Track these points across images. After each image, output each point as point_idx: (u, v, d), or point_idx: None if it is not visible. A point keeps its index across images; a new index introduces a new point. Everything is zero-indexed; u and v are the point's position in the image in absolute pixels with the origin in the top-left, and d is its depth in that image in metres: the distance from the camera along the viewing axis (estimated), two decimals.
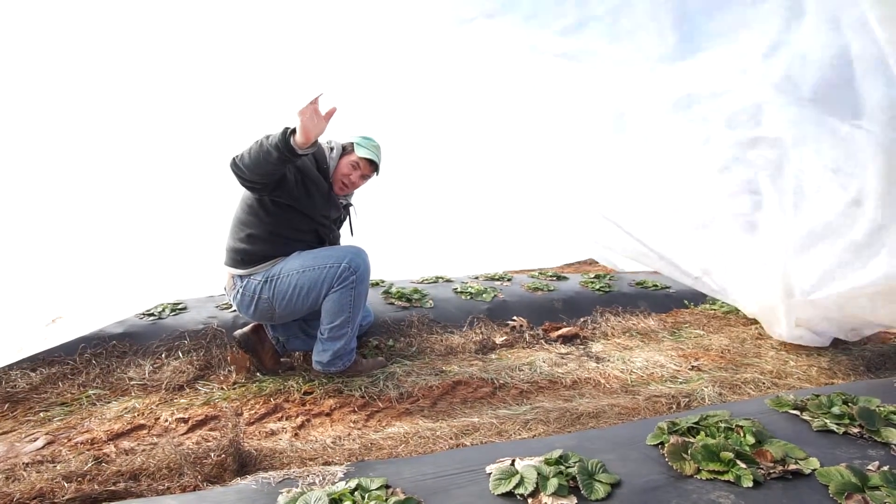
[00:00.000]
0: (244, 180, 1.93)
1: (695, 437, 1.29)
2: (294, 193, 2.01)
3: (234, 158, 1.89)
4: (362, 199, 2.44)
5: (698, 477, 1.14)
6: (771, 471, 1.15)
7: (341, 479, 1.17)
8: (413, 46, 2.44)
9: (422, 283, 3.35)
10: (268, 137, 1.82)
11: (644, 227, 2.57)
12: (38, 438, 1.65)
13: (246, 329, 2.17)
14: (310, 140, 1.78)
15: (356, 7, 2.36)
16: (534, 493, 1.07)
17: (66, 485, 1.32)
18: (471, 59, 2.42)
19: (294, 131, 1.79)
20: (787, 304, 2.30)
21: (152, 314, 2.53)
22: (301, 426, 1.79)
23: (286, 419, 1.84)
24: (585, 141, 2.47)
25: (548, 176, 2.72)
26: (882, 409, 1.44)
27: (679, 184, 2.38)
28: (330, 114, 1.83)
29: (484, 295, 3.04)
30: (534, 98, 2.45)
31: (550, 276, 3.60)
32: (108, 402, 1.95)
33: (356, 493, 1.08)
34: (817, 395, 1.55)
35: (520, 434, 1.67)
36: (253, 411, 1.88)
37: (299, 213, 2.07)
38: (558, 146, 2.56)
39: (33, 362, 2.11)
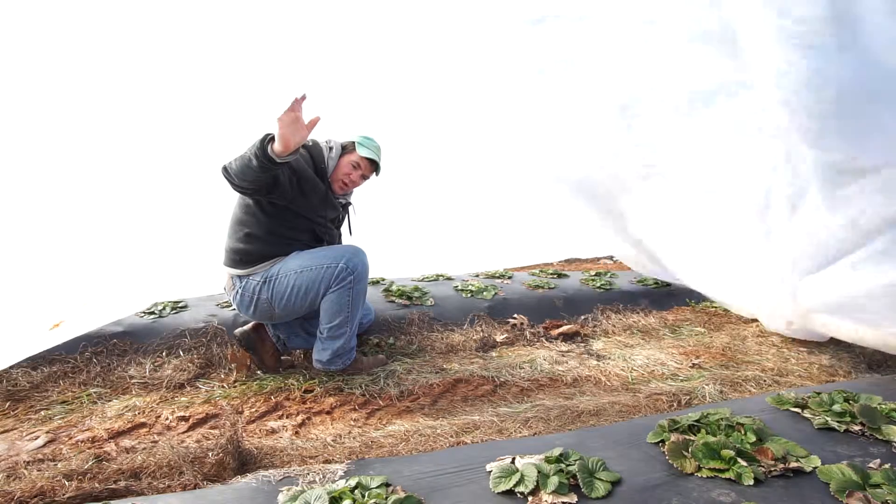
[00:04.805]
0: (235, 186, 1.91)
1: (695, 435, 1.29)
2: (289, 195, 1.99)
3: (224, 165, 1.87)
4: (363, 198, 2.44)
5: (699, 475, 1.14)
6: (772, 469, 1.15)
7: (341, 478, 1.17)
8: (413, 45, 2.43)
9: (422, 281, 3.35)
10: (252, 145, 1.78)
11: (639, 229, 2.57)
12: (39, 437, 1.66)
13: (246, 327, 2.17)
14: (289, 149, 1.72)
15: (359, 8, 2.35)
16: (534, 492, 1.07)
17: (66, 483, 1.32)
18: (471, 58, 2.41)
19: (273, 139, 1.73)
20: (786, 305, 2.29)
21: (153, 312, 2.53)
22: (302, 424, 1.79)
23: (287, 417, 1.84)
24: (587, 137, 2.46)
25: (548, 174, 2.72)
26: (883, 406, 1.44)
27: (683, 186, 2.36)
28: (313, 123, 1.77)
29: (484, 293, 3.03)
30: (533, 94, 2.44)
31: (551, 274, 3.60)
32: (109, 401, 1.95)
33: (356, 491, 1.08)
34: (818, 393, 1.55)
35: (520, 432, 1.67)
36: (254, 409, 1.88)
37: (295, 214, 2.06)
38: (560, 143, 2.55)
39: (34, 361, 2.11)
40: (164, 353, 2.28)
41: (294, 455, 1.52)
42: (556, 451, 1.21)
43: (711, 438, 1.24)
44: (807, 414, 1.45)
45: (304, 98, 1.72)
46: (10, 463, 1.48)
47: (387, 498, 1.05)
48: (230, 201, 2.15)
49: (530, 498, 1.06)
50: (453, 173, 3.23)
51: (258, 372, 2.19)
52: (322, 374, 2.15)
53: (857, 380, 2.06)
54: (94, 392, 2.00)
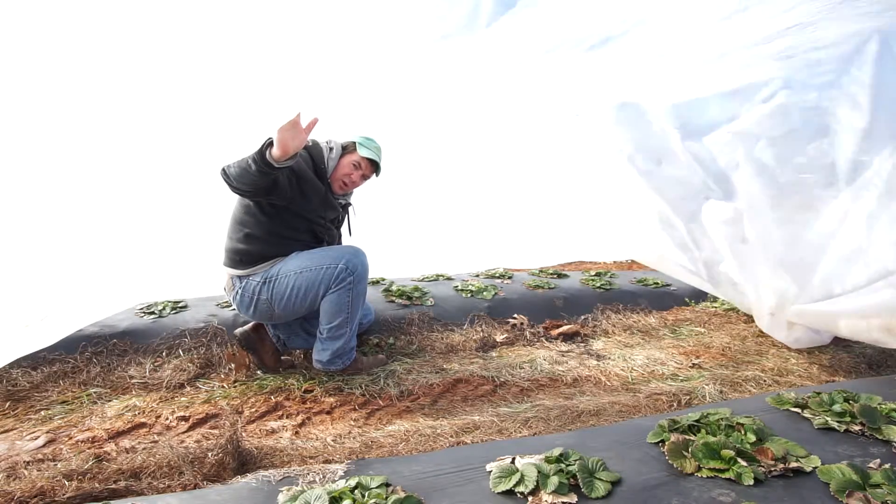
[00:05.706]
0: (233, 188, 1.92)
1: (695, 435, 1.29)
2: (288, 195, 1.99)
3: (223, 168, 1.88)
4: (363, 197, 2.44)
5: (699, 475, 1.14)
6: (772, 469, 1.14)
7: (341, 478, 1.17)
8: (413, 47, 2.42)
9: (422, 280, 3.35)
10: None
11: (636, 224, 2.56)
12: (39, 437, 1.66)
13: (247, 327, 2.17)
14: (288, 153, 1.75)
15: (362, 12, 2.34)
16: (534, 491, 1.07)
17: (66, 483, 1.32)
18: (472, 58, 2.41)
19: (272, 143, 1.75)
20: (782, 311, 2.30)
21: (153, 312, 2.53)
22: (301, 424, 1.79)
23: (287, 417, 1.84)
24: (586, 136, 2.46)
25: (548, 174, 2.72)
26: (883, 406, 1.44)
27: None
28: (311, 125, 1.80)
29: (484, 293, 3.03)
30: (533, 95, 2.44)
31: (551, 274, 3.60)
32: (109, 401, 1.95)
33: (356, 491, 1.08)
34: (818, 393, 1.55)
35: (520, 432, 1.67)
36: (254, 409, 1.88)
37: (295, 214, 2.07)
38: (558, 142, 2.55)
39: (34, 361, 2.11)
40: (164, 353, 2.28)
41: (294, 455, 1.52)
42: (556, 451, 1.20)
43: (711, 438, 1.24)
44: (807, 414, 1.45)
45: (300, 113, 1.74)
46: (10, 463, 1.48)
47: (387, 498, 1.05)
48: (230, 201, 2.15)
49: (530, 498, 1.06)
50: (454, 173, 3.22)
51: (258, 372, 2.19)
52: (322, 374, 2.15)
53: (857, 380, 2.06)
54: (94, 392, 2.00)
